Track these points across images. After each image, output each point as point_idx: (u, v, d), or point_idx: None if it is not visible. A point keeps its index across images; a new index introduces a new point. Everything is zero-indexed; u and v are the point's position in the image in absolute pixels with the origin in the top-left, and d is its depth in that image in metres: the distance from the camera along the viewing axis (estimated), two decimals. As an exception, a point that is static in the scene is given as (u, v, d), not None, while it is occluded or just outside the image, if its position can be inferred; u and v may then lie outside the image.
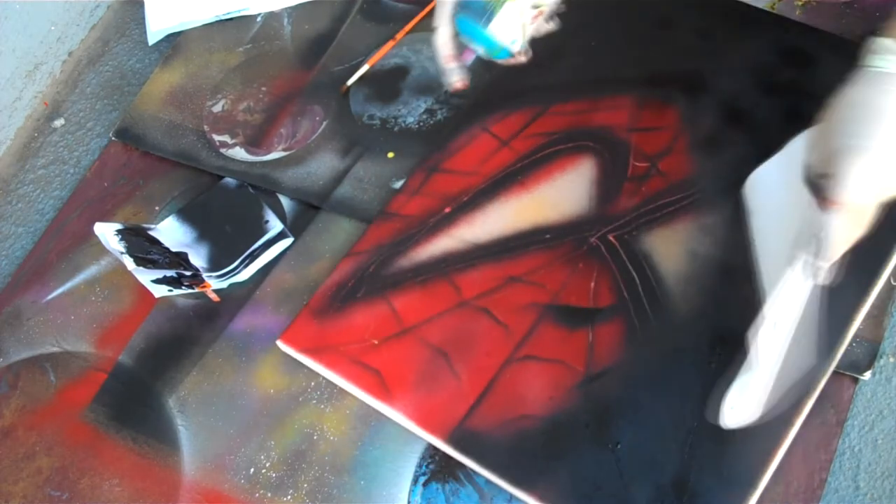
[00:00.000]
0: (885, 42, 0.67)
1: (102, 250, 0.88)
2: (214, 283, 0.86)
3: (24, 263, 0.92)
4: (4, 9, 0.98)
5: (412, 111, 0.92)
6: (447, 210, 0.84)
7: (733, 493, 0.69)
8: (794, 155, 0.73)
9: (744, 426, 0.69)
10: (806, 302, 0.66)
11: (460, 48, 0.78)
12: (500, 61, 0.79)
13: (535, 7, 0.76)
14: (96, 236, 0.83)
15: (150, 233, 0.87)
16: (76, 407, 0.83)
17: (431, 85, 0.94)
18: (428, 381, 0.77)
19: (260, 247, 0.87)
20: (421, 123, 0.92)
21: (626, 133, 0.85)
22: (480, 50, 0.77)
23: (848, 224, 0.67)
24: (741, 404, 0.69)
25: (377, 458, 0.77)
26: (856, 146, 0.66)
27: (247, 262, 0.87)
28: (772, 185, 0.78)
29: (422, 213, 0.85)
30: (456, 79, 0.79)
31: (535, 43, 0.76)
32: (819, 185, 0.68)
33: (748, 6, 0.90)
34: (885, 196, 0.67)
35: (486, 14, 0.75)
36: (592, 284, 0.79)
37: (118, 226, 0.85)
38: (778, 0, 0.90)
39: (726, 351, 0.74)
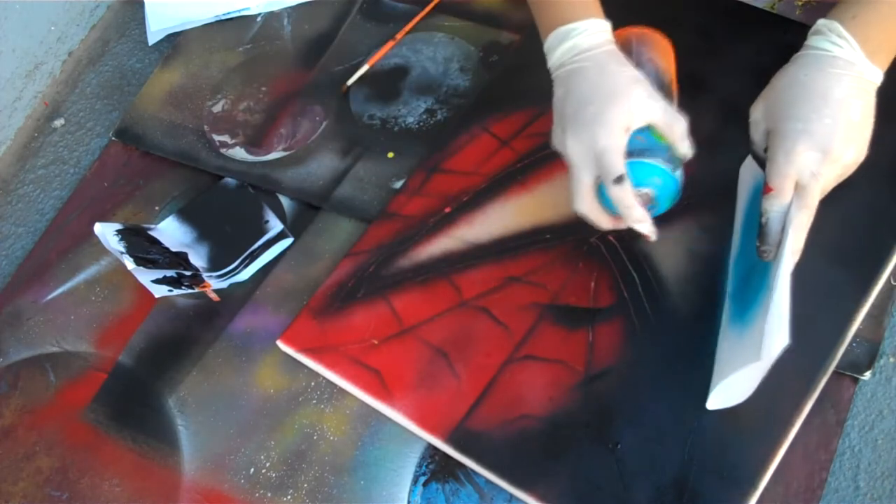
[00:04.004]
0: (830, 24, 0.67)
1: (102, 250, 0.88)
2: (214, 283, 0.86)
3: (24, 263, 0.92)
4: (4, 9, 0.98)
5: (412, 111, 0.92)
6: (447, 210, 0.84)
7: (733, 493, 0.69)
8: None
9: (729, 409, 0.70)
10: (772, 287, 0.66)
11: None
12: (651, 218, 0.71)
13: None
14: (96, 236, 0.83)
15: (150, 233, 0.87)
16: (76, 407, 0.83)
17: (431, 85, 0.94)
18: (428, 381, 0.77)
19: (260, 247, 0.87)
20: (421, 123, 0.92)
21: (626, 133, 0.85)
22: (653, 193, 0.71)
23: (789, 208, 0.66)
24: (722, 390, 0.70)
25: (377, 458, 0.77)
26: (793, 129, 0.65)
27: (247, 262, 0.87)
28: (749, 170, 0.78)
29: (422, 213, 0.85)
30: (651, 230, 0.70)
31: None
32: (763, 159, 0.68)
33: (748, 6, 0.90)
34: (826, 179, 0.65)
35: (675, 160, 0.71)
36: (592, 284, 0.79)
37: (118, 226, 0.85)
38: (778, 0, 0.90)
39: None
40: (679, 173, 0.72)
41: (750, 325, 0.68)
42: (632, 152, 0.69)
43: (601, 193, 0.70)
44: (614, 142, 0.68)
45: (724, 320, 0.74)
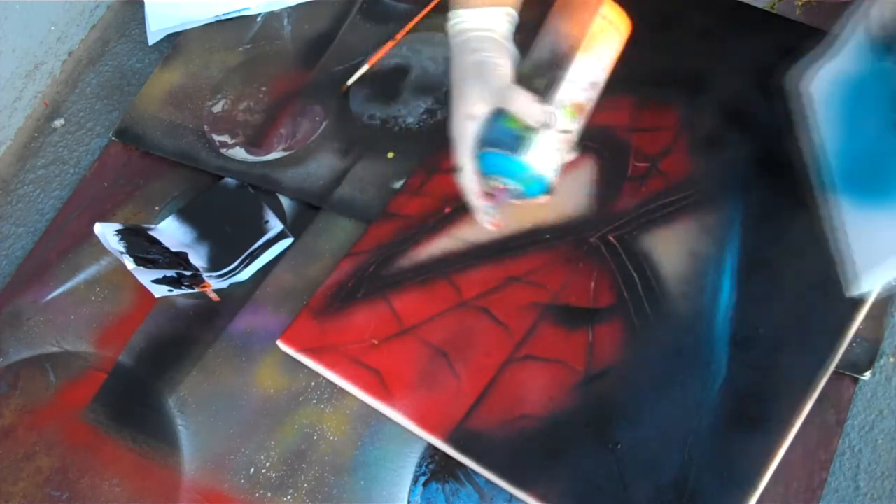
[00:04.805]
0: None
1: (102, 250, 0.88)
2: (214, 283, 0.86)
3: (24, 263, 0.92)
4: (4, 9, 0.98)
5: (412, 111, 0.92)
6: (447, 210, 0.84)
7: (733, 493, 0.69)
8: (847, 44, 0.74)
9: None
10: None
11: (489, 187, 0.74)
12: (531, 200, 0.74)
13: (564, 132, 0.72)
14: (96, 236, 0.83)
15: (150, 233, 0.87)
16: (76, 407, 0.83)
17: (431, 85, 0.94)
18: (428, 381, 0.77)
19: (260, 247, 0.87)
20: (421, 123, 0.92)
21: (627, 133, 0.85)
22: (512, 186, 0.72)
23: None
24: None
25: (377, 458, 0.77)
26: None
27: (247, 262, 0.87)
28: (828, 72, 0.77)
29: (422, 213, 0.85)
30: (489, 219, 0.75)
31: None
32: (885, 38, 0.68)
33: (748, 6, 0.90)
34: None
35: (522, 145, 0.71)
36: (592, 284, 0.79)
37: (118, 226, 0.85)
38: (778, 0, 0.90)
39: (725, 352, 0.74)
40: (533, 155, 0.71)
41: None
42: (488, 142, 0.71)
43: (497, 166, 0.72)
44: (458, 131, 0.72)
45: (846, 209, 0.73)
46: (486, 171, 0.73)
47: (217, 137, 0.95)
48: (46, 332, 0.87)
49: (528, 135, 0.71)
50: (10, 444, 0.82)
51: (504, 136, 0.71)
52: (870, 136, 0.74)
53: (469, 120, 0.71)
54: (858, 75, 0.73)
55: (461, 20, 0.74)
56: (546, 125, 0.70)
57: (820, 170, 0.77)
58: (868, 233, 0.72)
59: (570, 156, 0.75)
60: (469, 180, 0.73)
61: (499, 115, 0.71)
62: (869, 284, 0.71)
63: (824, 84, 0.79)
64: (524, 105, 0.70)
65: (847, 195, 0.75)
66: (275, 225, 0.88)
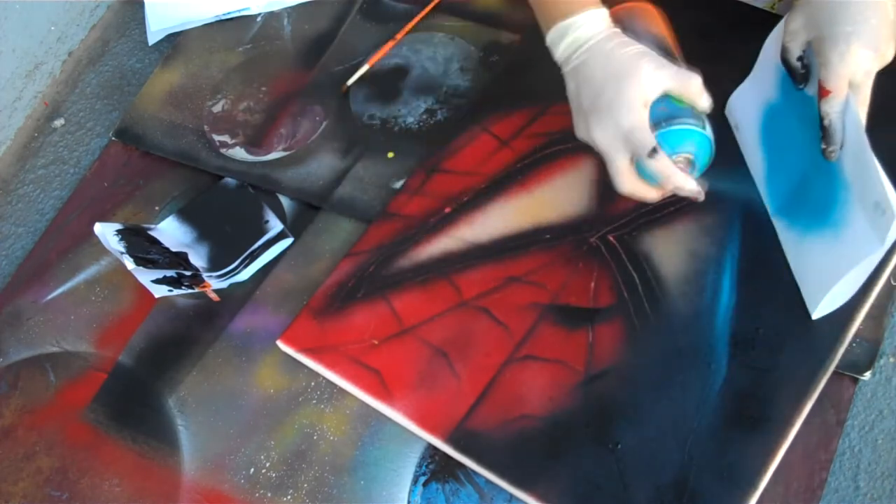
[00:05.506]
0: None
1: (102, 250, 0.88)
2: (214, 283, 0.86)
3: (24, 263, 0.92)
4: (4, 9, 0.98)
5: (412, 111, 0.92)
6: (447, 210, 0.84)
7: (733, 493, 0.69)
8: (767, 72, 0.77)
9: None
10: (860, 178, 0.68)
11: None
12: (692, 177, 0.73)
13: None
14: (96, 236, 0.83)
15: (150, 233, 0.87)
16: (76, 407, 0.83)
17: (431, 85, 0.94)
18: (428, 381, 0.77)
19: (260, 247, 0.87)
20: (421, 123, 0.92)
21: (626, 133, 0.85)
22: (695, 157, 0.71)
23: (849, 104, 0.68)
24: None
25: (377, 458, 0.77)
26: (843, 32, 0.67)
27: (247, 262, 0.87)
28: (751, 100, 0.80)
29: (422, 213, 0.85)
30: (697, 190, 0.71)
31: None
32: (797, 68, 0.72)
33: (748, 6, 0.90)
34: (875, 68, 0.69)
35: (704, 120, 0.71)
36: (592, 284, 0.79)
37: (118, 226, 0.85)
38: (778, 0, 0.90)
39: (725, 352, 0.74)
40: (709, 128, 0.72)
41: (841, 224, 0.70)
42: (658, 123, 0.70)
43: (639, 169, 0.71)
44: (637, 119, 0.69)
45: (789, 237, 0.76)
46: (671, 150, 0.70)
47: (217, 137, 0.95)
48: (46, 332, 0.87)
49: (702, 112, 0.72)
50: (10, 444, 0.82)
51: (688, 113, 0.71)
52: (799, 165, 0.75)
53: (646, 107, 0.70)
54: (780, 103, 0.76)
55: (588, 23, 0.72)
56: (710, 107, 0.71)
57: (762, 196, 0.79)
58: (810, 260, 0.74)
59: None
60: (669, 165, 0.69)
61: (662, 97, 0.71)
62: (820, 311, 0.73)
63: (747, 110, 0.81)
64: (699, 87, 0.71)
65: (785, 223, 0.77)
66: (275, 225, 0.88)
